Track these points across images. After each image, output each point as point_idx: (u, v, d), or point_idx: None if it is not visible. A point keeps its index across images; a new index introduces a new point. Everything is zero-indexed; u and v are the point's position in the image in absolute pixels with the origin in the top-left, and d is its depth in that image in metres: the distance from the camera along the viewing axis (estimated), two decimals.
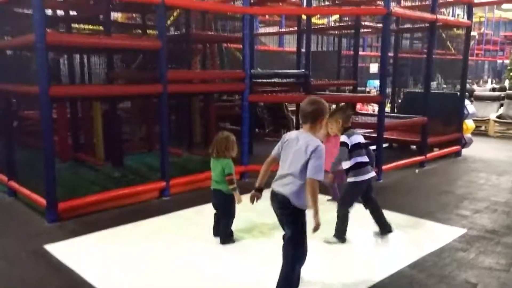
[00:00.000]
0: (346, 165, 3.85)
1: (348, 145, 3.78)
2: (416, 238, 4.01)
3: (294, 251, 2.80)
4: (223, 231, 3.85)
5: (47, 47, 4.14)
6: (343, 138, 3.83)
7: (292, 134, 2.92)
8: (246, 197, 4.66)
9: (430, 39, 7.10)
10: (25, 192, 4.80)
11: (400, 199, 5.24)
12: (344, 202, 3.84)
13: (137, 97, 6.49)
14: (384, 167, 6.12)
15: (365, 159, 3.84)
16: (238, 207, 3.87)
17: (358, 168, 3.80)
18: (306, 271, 3.28)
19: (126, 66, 7.89)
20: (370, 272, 3.32)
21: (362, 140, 3.90)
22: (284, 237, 2.89)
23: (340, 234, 3.80)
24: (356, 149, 3.80)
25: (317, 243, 3.81)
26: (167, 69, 5.09)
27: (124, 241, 3.91)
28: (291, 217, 2.79)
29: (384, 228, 4.01)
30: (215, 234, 3.94)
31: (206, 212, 4.64)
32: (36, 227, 4.24)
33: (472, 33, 9.72)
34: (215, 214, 3.97)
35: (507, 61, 19.58)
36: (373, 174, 3.89)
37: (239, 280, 3.19)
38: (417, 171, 6.71)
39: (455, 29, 13.80)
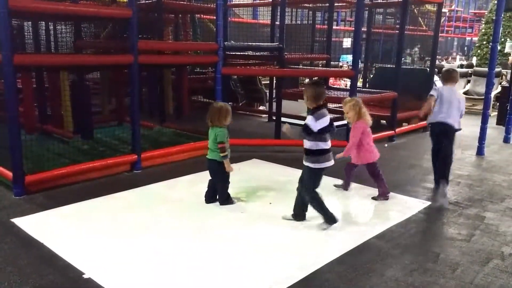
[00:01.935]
0: (306, 144, 3.54)
1: (309, 129, 3.45)
2: (384, 210, 4.14)
3: (450, 155, 4.69)
4: (221, 195, 4.08)
5: (10, 13, 3.94)
6: (310, 120, 3.45)
7: (444, 87, 4.81)
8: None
9: (403, 15, 7.15)
10: None
11: None
12: (308, 189, 3.62)
13: (107, 67, 6.30)
14: None
15: (328, 145, 3.55)
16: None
17: (319, 154, 3.51)
18: (283, 242, 3.36)
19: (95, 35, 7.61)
20: (340, 243, 3.42)
21: (328, 123, 3.52)
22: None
23: (328, 217, 3.61)
24: (321, 133, 3.48)
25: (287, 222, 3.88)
26: (138, 39, 4.95)
27: (94, 215, 3.87)
28: (452, 136, 4.69)
29: (300, 214, 3.76)
30: (207, 201, 4.11)
31: (178, 186, 4.65)
32: (3, 201, 4.13)
33: (443, 10, 9.84)
34: (209, 180, 4.11)
35: (475, 38, 20.00)
36: (332, 163, 3.58)
37: (206, 255, 3.23)
38: (386, 145, 6.87)
39: (426, 5, 13.91)
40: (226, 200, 4.09)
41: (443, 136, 4.67)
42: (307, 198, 3.64)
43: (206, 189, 4.14)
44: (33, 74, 6.35)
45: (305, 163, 3.58)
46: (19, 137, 4.20)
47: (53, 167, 4.59)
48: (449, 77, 4.84)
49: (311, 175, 3.58)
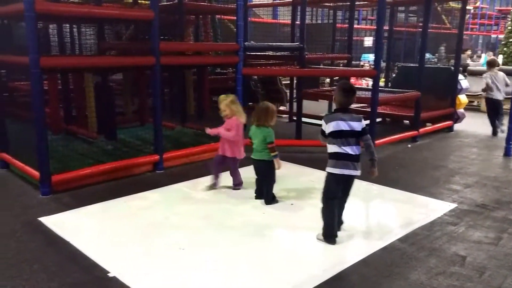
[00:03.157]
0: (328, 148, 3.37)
1: (323, 131, 3.34)
2: (408, 212, 4.07)
3: (502, 112, 7.68)
4: (266, 194, 4.16)
5: (37, 16, 4.03)
6: (322, 121, 3.37)
7: (489, 73, 7.62)
8: (245, 170, 4.69)
9: (426, 12, 7.02)
10: (18, 165, 4.78)
11: (393, 173, 5.29)
12: (323, 193, 3.39)
13: (130, 68, 6.38)
14: (377, 141, 6.15)
15: (343, 150, 3.25)
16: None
17: (334, 158, 3.30)
18: (305, 244, 3.35)
19: (117, 37, 7.73)
20: (363, 245, 3.38)
21: (347, 127, 3.25)
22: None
23: (327, 232, 3.37)
24: (334, 137, 3.27)
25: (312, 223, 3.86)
26: (159, 41, 5.00)
27: (118, 214, 3.93)
28: (501, 104, 7.59)
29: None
30: (257, 197, 4.26)
31: (200, 186, 4.68)
32: (30, 200, 4.23)
33: (468, 7, 9.63)
34: (256, 179, 4.27)
35: (501, 36, 19.48)
36: (354, 172, 3.29)
37: (228, 255, 3.23)
38: (409, 145, 6.77)
39: (450, 3, 13.64)
40: (272, 199, 4.17)
41: (497, 104, 7.61)
42: (322, 205, 3.39)
43: (256, 188, 4.29)
44: (59, 75, 6.49)
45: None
46: (45, 137, 4.30)
47: (78, 167, 4.68)
48: (492, 64, 7.73)
49: (326, 179, 3.38)
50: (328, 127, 3.28)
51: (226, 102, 4.30)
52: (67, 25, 7.55)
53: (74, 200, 4.23)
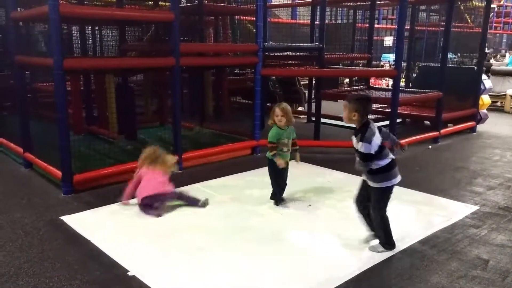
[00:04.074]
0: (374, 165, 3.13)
1: (371, 156, 3.07)
2: (428, 214, 4.00)
3: None
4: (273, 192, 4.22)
5: (61, 19, 4.12)
6: (364, 147, 3.05)
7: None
8: (255, 173, 4.69)
9: (448, 11, 6.90)
10: (41, 164, 4.88)
11: (413, 175, 5.21)
12: (379, 209, 3.22)
13: (150, 70, 6.46)
14: None
15: (391, 157, 3.15)
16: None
17: (390, 169, 3.14)
18: (323, 246, 3.33)
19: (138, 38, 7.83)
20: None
21: (380, 137, 3.11)
22: None
23: (390, 240, 3.28)
24: (380, 151, 3.11)
25: (330, 223, 3.84)
26: (179, 42, 5.04)
27: (137, 213, 3.97)
28: None
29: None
30: (271, 198, 4.25)
31: (218, 187, 4.70)
32: (52, 199, 4.32)
33: (491, 5, 9.42)
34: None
35: None
36: (399, 179, 3.19)
37: (246, 255, 3.24)
38: (430, 147, 6.66)
39: (473, 1, 13.34)
40: (274, 196, 4.20)
41: None
42: (377, 218, 3.23)
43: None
44: (81, 77, 6.62)
45: (372, 185, 3.18)
46: (68, 138, 4.39)
47: (99, 167, 4.75)
48: None
49: (382, 194, 3.19)
50: (375, 143, 3.05)
51: (145, 155, 4.11)
52: (89, 26, 7.69)
53: (95, 199, 4.31)
